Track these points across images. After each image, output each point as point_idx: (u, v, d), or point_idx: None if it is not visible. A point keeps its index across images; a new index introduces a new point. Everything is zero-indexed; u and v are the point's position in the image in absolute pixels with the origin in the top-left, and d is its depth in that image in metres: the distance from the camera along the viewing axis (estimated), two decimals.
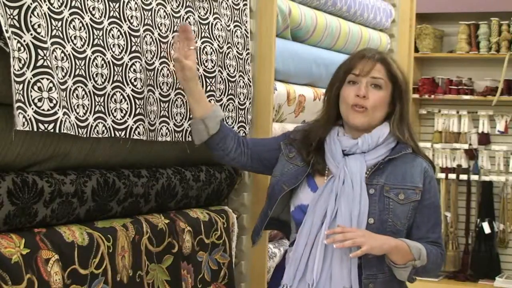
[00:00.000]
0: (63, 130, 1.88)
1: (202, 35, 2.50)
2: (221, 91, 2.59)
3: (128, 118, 2.16)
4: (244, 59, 2.72)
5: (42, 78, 1.81)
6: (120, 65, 2.13)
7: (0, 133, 1.88)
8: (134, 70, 2.18)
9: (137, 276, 2.22)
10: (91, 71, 2.03)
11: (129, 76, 2.16)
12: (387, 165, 2.31)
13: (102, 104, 2.07)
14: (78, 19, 1.99)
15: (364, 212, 2.23)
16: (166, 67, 2.33)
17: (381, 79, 2.32)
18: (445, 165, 6.36)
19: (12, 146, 1.91)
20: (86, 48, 2.02)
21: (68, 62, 1.95)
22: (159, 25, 2.30)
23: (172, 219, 2.42)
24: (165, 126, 2.34)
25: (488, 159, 6.31)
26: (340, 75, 2.36)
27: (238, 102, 2.69)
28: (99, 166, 2.21)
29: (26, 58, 1.78)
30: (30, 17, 1.79)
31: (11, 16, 1.75)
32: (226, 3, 2.64)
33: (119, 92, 2.13)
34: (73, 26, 1.97)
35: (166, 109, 2.35)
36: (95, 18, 2.05)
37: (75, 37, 1.98)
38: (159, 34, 2.30)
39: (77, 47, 1.98)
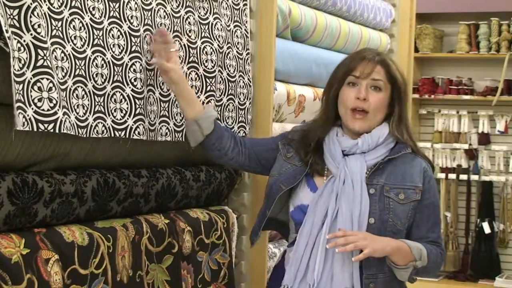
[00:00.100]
0: (63, 130, 1.88)
1: (202, 35, 2.50)
2: (221, 91, 2.59)
3: (128, 118, 2.16)
4: (244, 59, 2.72)
5: (42, 78, 1.81)
6: (120, 65, 2.13)
7: (0, 133, 1.88)
8: (134, 70, 2.18)
9: (137, 276, 2.22)
10: (91, 71, 2.03)
11: (129, 76, 2.16)
12: (386, 165, 2.31)
13: (102, 104, 2.07)
14: (78, 19, 1.99)
15: (365, 212, 2.23)
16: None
17: (381, 81, 2.31)
18: (445, 165, 6.36)
19: (12, 146, 1.91)
20: (86, 48, 2.02)
21: (68, 62, 1.95)
22: (159, 25, 2.30)
23: (172, 219, 2.42)
24: (165, 126, 2.34)
25: (488, 159, 6.31)
26: (339, 76, 2.35)
27: (238, 102, 2.69)
28: (99, 166, 2.21)
29: (26, 58, 1.78)
30: (30, 17, 1.79)
31: (11, 16, 1.75)
32: (226, 3, 2.64)
33: (119, 92, 2.13)
34: (73, 26, 1.97)
35: (166, 109, 2.35)
36: (95, 18, 2.05)
37: (75, 37, 1.98)
38: None
39: (77, 47, 1.98)
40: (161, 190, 2.40)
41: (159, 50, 2.27)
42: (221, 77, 2.59)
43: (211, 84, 2.52)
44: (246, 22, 2.73)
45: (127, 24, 2.16)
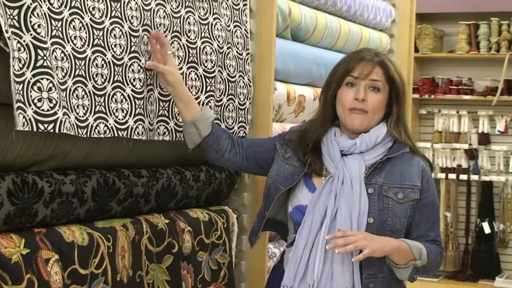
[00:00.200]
0: (63, 130, 1.88)
1: (202, 35, 2.50)
2: (221, 91, 2.59)
3: (129, 118, 2.16)
4: (244, 59, 2.72)
5: (42, 78, 1.81)
6: (120, 65, 2.13)
7: (0, 133, 1.88)
8: (133, 70, 2.18)
9: (137, 276, 2.22)
10: (91, 71, 2.03)
11: (129, 76, 2.16)
12: (385, 164, 2.31)
13: (102, 104, 2.07)
14: (78, 19, 1.99)
15: (364, 212, 2.23)
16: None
17: (379, 82, 2.31)
18: (445, 165, 6.37)
19: (12, 146, 1.91)
20: (86, 48, 2.02)
21: (68, 62, 1.95)
22: (159, 25, 2.30)
23: (172, 219, 2.42)
24: (164, 125, 2.34)
25: (488, 159, 6.31)
26: (337, 76, 2.35)
27: (238, 102, 2.69)
28: (99, 166, 2.21)
29: (26, 58, 1.78)
30: (30, 17, 1.79)
31: (11, 16, 1.75)
32: (226, 3, 2.64)
33: (119, 92, 2.13)
34: (73, 26, 1.97)
35: (166, 109, 2.35)
36: (95, 18, 2.05)
37: (75, 37, 1.98)
38: None
39: (77, 47, 1.98)
40: (161, 190, 2.40)
41: (155, 53, 2.27)
42: (221, 77, 2.59)
43: (211, 84, 2.52)
44: (246, 22, 2.73)
45: (127, 24, 2.16)
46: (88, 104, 2.02)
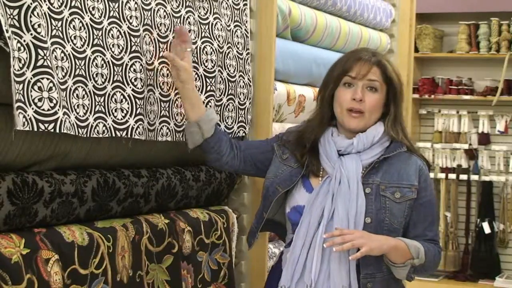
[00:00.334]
0: (63, 130, 1.88)
1: (202, 35, 2.50)
2: (221, 91, 2.59)
3: (129, 118, 2.16)
4: (244, 59, 2.72)
5: (42, 78, 1.81)
6: (120, 65, 2.13)
7: (0, 133, 1.88)
8: (134, 70, 2.18)
9: (137, 276, 2.22)
10: (91, 71, 2.03)
11: (129, 76, 2.16)
12: (382, 164, 2.31)
13: (103, 104, 2.07)
14: (78, 19, 1.99)
15: (361, 211, 2.23)
16: (166, 67, 2.33)
17: (376, 82, 2.31)
18: (445, 165, 6.36)
19: (12, 146, 1.91)
20: (86, 48, 2.02)
21: (68, 62, 1.95)
22: (159, 25, 2.30)
23: (172, 219, 2.42)
24: (166, 126, 2.34)
25: (488, 159, 6.31)
26: (335, 76, 2.34)
27: (238, 102, 2.69)
28: (99, 166, 2.21)
29: (26, 58, 1.78)
30: (30, 17, 1.79)
31: (11, 16, 1.75)
32: (226, 3, 2.64)
33: (119, 92, 2.13)
34: (73, 26, 1.97)
35: (167, 109, 2.35)
36: (95, 18, 2.05)
37: (75, 37, 1.98)
38: (158, 34, 2.30)
39: (77, 47, 1.98)
40: (161, 190, 2.40)
41: (175, 47, 2.28)
42: (221, 77, 2.58)
43: (211, 84, 2.52)
44: (246, 22, 2.73)
45: (126, 24, 2.16)
46: (88, 104, 2.02)
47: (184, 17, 2.42)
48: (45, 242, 1.95)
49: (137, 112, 2.19)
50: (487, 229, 6.13)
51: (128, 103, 2.16)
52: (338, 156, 2.31)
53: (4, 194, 1.86)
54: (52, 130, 1.85)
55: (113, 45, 2.11)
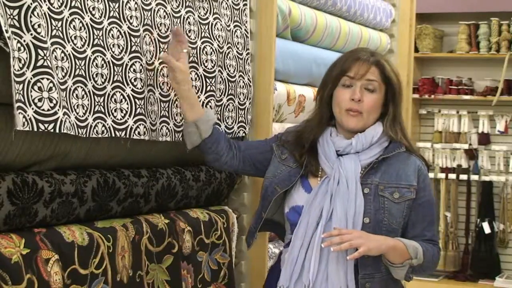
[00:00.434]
0: (63, 130, 1.88)
1: (202, 35, 2.50)
2: (221, 91, 2.59)
3: (128, 118, 2.16)
4: (244, 59, 2.72)
5: (42, 78, 1.81)
6: (120, 65, 2.13)
7: (0, 133, 1.88)
8: (134, 70, 2.18)
9: (137, 276, 2.22)
10: (91, 71, 2.03)
11: (129, 76, 2.16)
12: (381, 164, 2.30)
13: (102, 104, 2.07)
14: (78, 19, 1.99)
15: (360, 212, 2.23)
16: (166, 67, 2.32)
17: (375, 82, 2.31)
18: (445, 165, 6.36)
19: (12, 146, 1.91)
20: (86, 48, 2.02)
21: (68, 62, 1.95)
22: (159, 25, 2.30)
23: (172, 219, 2.42)
24: (165, 126, 2.34)
25: (488, 159, 6.31)
26: (333, 76, 2.34)
27: (238, 102, 2.69)
28: (99, 166, 2.21)
29: (26, 58, 1.78)
30: (30, 17, 1.79)
31: (11, 16, 1.75)
32: (226, 3, 2.64)
33: (119, 92, 2.13)
34: (73, 26, 1.97)
35: (166, 109, 2.35)
36: (95, 18, 2.05)
37: (75, 37, 1.98)
38: (158, 34, 2.30)
39: (77, 47, 1.98)
40: (161, 190, 2.40)
41: (171, 48, 2.28)
42: (221, 77, 2.59)
43: (211, 84, 2.52)
44: (246, 22, 2.73)
45: (126, 24, 2.16)
46: (88, 104, 2.02)
47: (184, 17, 2.42)
48: (45, 242, 1.95)
49: (137, 112, 2.19)
50: (487, 229, 6.13)
51: (127, 103, 2.16)
52: (336, 156, 2.31)
53: (4, 194, 1.86)
54: (52, 130, 1.85)
55: (113, 45, 2.11)
